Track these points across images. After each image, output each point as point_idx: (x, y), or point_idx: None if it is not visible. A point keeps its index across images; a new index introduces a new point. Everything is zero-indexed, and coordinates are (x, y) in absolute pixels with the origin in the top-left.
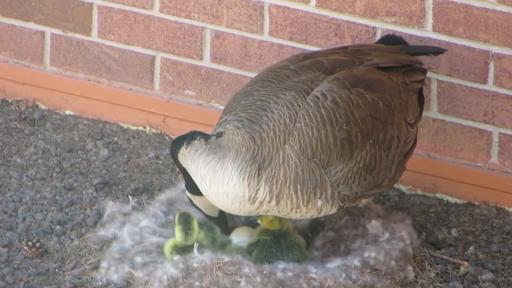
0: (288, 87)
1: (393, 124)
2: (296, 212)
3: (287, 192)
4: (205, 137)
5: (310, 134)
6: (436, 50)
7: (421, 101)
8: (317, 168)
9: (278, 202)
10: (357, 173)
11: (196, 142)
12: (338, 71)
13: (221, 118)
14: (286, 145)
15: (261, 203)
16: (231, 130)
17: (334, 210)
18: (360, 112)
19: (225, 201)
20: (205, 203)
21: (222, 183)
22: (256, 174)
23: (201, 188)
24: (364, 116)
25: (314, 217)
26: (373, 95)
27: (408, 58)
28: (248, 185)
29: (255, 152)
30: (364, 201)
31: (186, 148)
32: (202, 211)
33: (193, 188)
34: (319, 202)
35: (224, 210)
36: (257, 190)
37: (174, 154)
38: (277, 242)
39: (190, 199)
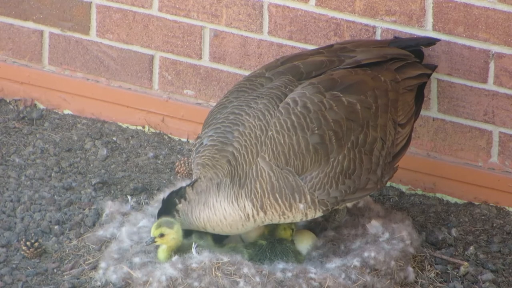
0: (261, 95)
1: (376, 126)
2: (285, 218)
3: (269, 202)
4: (182, 194)
5: (282, 142)
6: (427, 42)
7: (419, 99)
8: (291, 175)
9: (265, 213)
10: (334, 178)
11: (180, 206)
12: (315, 74)
13: (198, 137)
14: (258, 158)
15: (253, 217)
16: (206, 168)
17: (319, 214)
18: (334, 115)
19: (231, 231)
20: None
21: (221, 221)
22: (238, 193)
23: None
24: (338, 119)
25: (305, 220)
26: (351, 98)
27: (395, 52)
28: (238, 205)
29: (232, 174)
30: (363, 201)
31: (179, 217)
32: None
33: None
34: (301, 206)
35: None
36: (244, 207)
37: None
38: (271, 247)
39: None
